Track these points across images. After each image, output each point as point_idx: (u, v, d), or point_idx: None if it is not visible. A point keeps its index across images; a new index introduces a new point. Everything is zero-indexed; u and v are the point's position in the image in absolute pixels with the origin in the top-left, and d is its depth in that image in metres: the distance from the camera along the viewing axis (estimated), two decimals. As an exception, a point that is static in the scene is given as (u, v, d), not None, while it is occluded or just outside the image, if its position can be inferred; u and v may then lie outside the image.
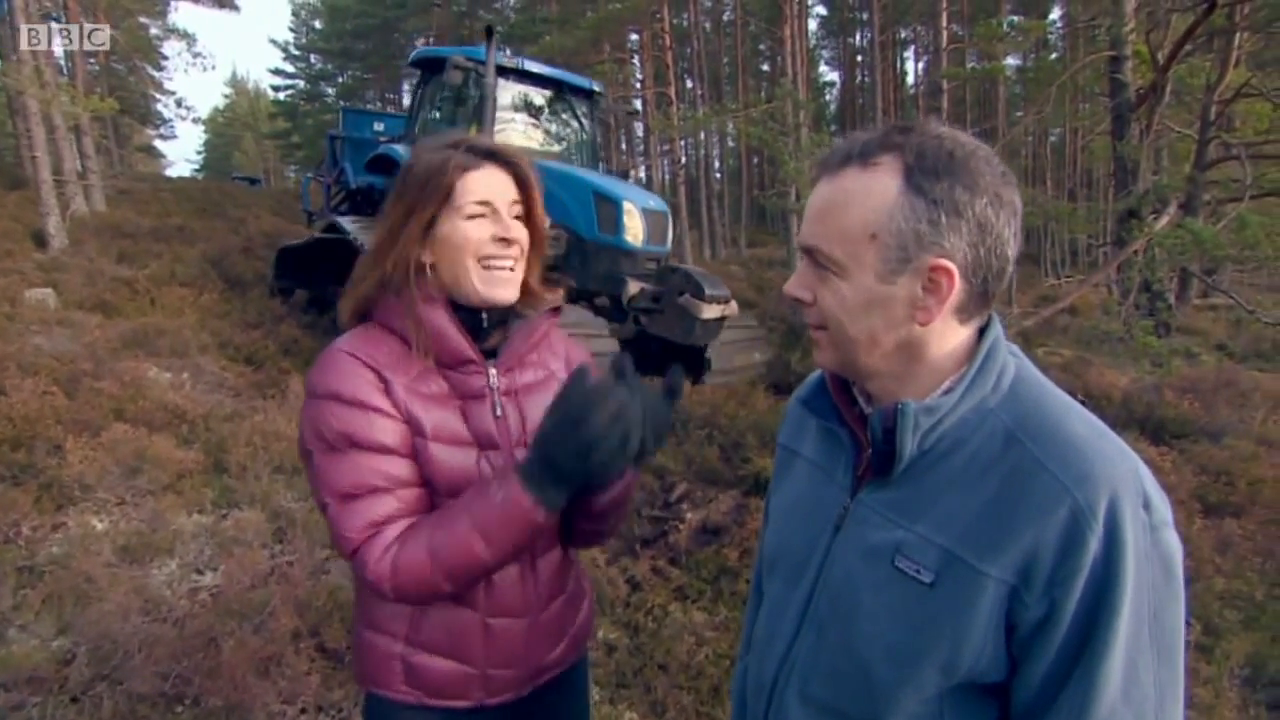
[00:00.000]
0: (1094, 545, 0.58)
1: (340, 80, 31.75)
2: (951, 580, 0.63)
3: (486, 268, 0.94)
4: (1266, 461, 4.11)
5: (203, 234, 10.53)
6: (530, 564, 1.00)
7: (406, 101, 34.71)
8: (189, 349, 5.75)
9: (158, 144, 30.65)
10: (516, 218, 0.96)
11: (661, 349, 5.20)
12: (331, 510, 0.88)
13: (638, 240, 5.26)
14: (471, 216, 0.93)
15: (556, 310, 1.06)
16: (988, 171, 0.65)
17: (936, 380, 0.69)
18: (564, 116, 6.60)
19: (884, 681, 0.67)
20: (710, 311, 4.92)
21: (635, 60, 21.21)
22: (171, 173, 34.39)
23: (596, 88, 6.75)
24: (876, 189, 0.65)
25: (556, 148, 6.42)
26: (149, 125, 25.39)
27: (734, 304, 5.29)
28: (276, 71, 33.17)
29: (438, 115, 6.45)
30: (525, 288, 1.00)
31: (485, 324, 0.98)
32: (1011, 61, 19.47)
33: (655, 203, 5.69)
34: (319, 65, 32.52)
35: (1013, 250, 0.67)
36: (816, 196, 0.70)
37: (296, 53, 33.13)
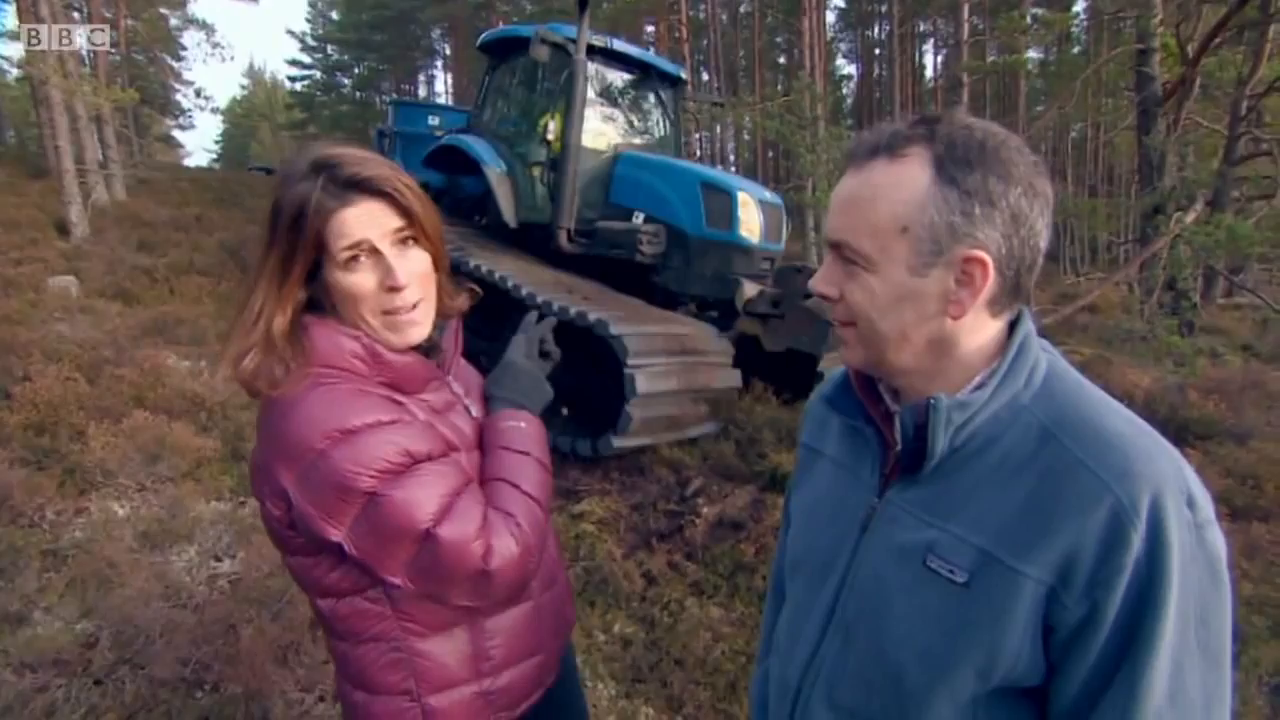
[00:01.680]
0: (1137, 544, 0.56)
1: (357, 71, 31.85)
2: (987, 580, 0.61)
3: (388, 317, 0.84)
4: (1295, 465, 4.02)
5: (220, 223, 10.64)
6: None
7: (423, 92, 34.65)
8: (207, 337, 5.81)
9: (176, 134, 30.93)
10: (404, 242, 0.84)
11: (770, 358, 4.51)
12: (441, 532, 0.78)
13: (754, 236, 4.54)
14: (348, 263, 0.81)
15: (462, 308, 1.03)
16: (1020, 161, 0.63)
17: (967, 376, 0.67)
18: (646, 105, 5.81)
19: (916, 686, 0.65)
20: None
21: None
22: (190, 163, 34.81)
23: (683, 75, 6.01)
24: (907, 181, 0.63)
25: (638, 140, 5.61)
26: (168, 115, 25.67)
27: None
28: (293, 62, 33.36)
29: (509, 104, 5.81)
30: (439, 306, 0.93)
31: (432, 342, 0.94)
32: (1033, 55, 19.14)
33: (770, 195, 4.99)
34: (335, 56, 32.64)
35: (1044, 242, 0.66)
36: (843, 190, 0.68)
37: (313, 44, 33.28)
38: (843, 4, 26.67)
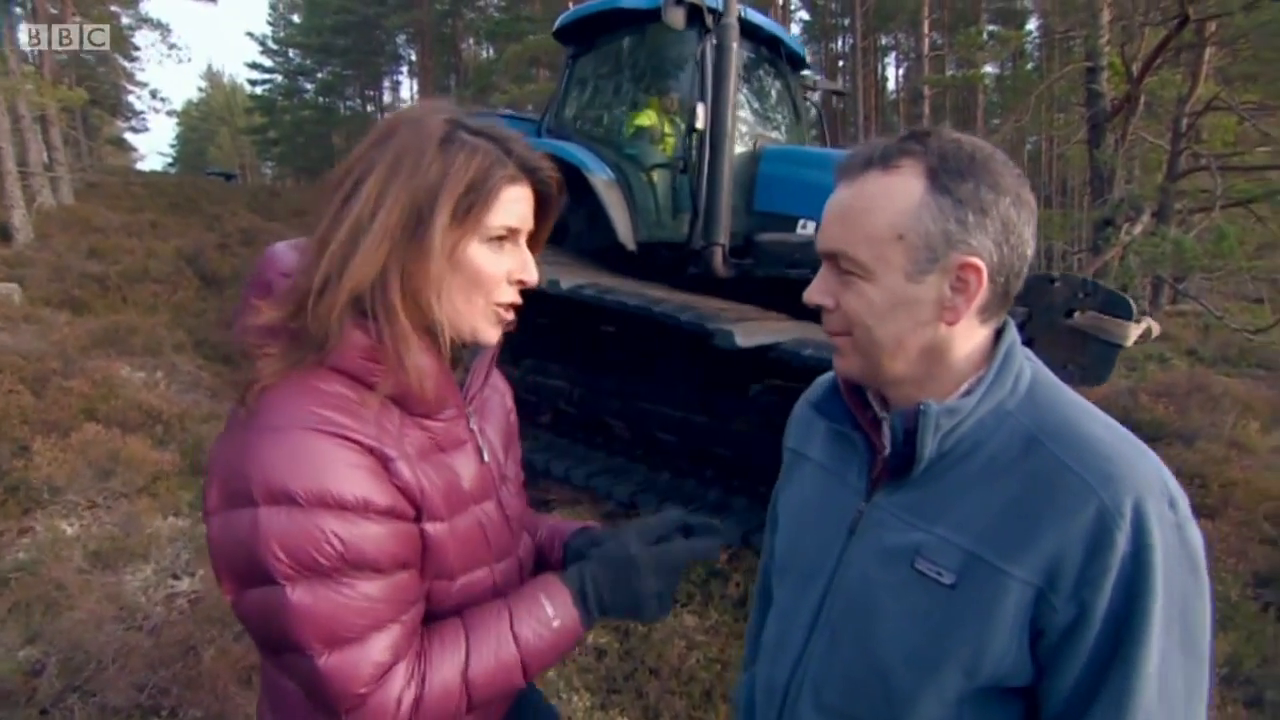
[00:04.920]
0: (1122, 544, 0.58)
1: (320, 76, 31.27)
2: (973, 581, 0.63)
3: (496, 307, 0.76)
4: (1238, 464, 4.22)
5: (177, 230, 10.31)
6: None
7: (388, 99, 33.99)
8: (163, 348, 5.62)
9: (129, 137, 29.89)
10: (525, 241, 0.79)
11: None
12: (321, 661, 0.64)
13: None
14: (496, 241, 0.74)
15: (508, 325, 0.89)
16: (1007, 173, 0.65)
17: (956, 383, 0.69)
18: (773, 91, 4.71)
19: (904, 686, 0.66)
20: (1135, 334, 3.11)
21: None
22: (143, 166, 33.67)
23: (808, 57, 5.10)
24: (901, 190, 0.65)
25: (772, 133, 4.48)
26: (120, 117, 24.79)
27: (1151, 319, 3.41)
28: (254, 66, 32.61)
29: (603, 97, 4.58)
30: None
31: (453, 359, 0.81)
32: (990, 70, 19.83)
33: None
34: (298, 60, 32.00)
35: (1030, 251, 0.68)
36: (837, 201, 0.70)
37: (274, 47, 32.59)
38: (807, 17, 27.26)
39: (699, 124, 3.58)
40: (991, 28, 18.37)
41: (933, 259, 0.64)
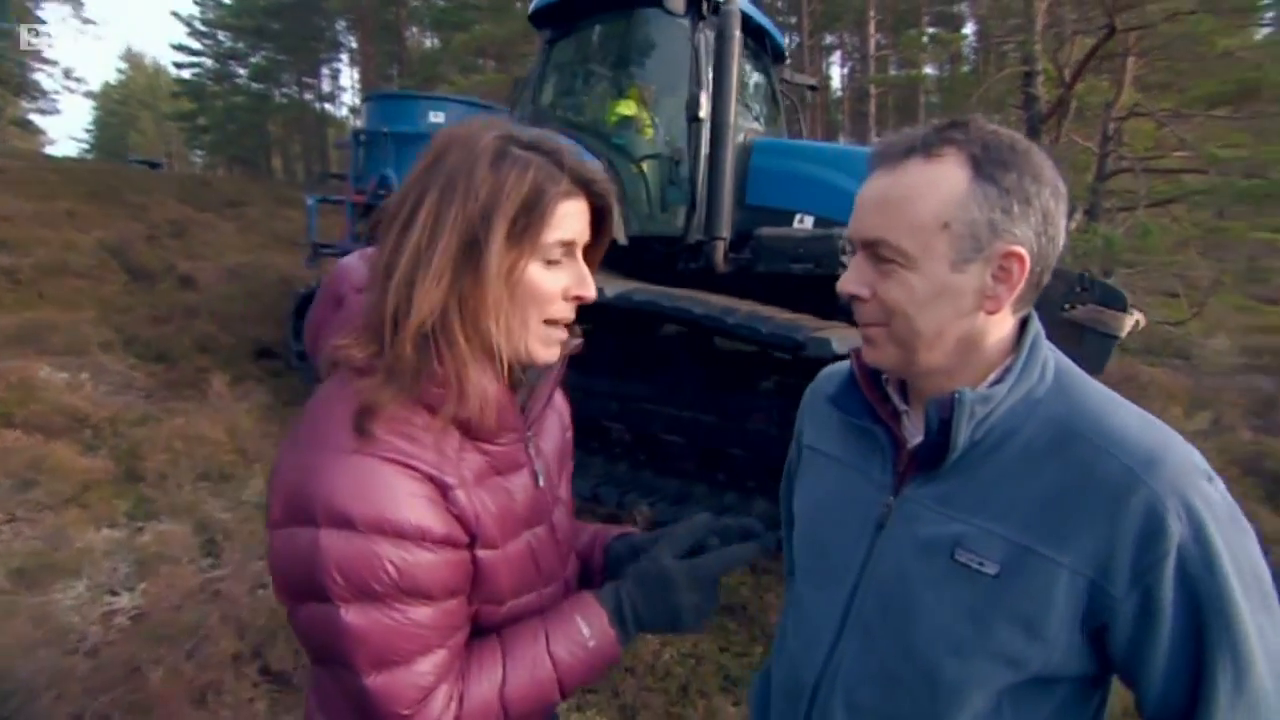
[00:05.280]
0: (1177, 529, 0.58)
1: (253, 61, 29.68)
2: (1019, 570, 0.63)
3: (550, 327, 0.75)
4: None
5: (98, 220, 9.61)
6: None
7: (326, 87, 32.59)
8: (89, 346, 5.23)
9: (36, 119, 27.72)
10: (580, 254, 0.77)
11: None
12: (368, 681, 0.66)
13: None
14: (551, 261, 0.72)
15: (575, 346, 0.87)
16: (1046, 164, 0.66)
17: (985, 371, 0.69)
18: (755, 82, 4.55)
19: (950, 680, 0.66)
20: (1129, 325, 3.24)
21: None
22: (54, 151, 31.26)
23: (786, 49, 4.96)
24: (946, 179, 0.64)
25: (757, 125, 4.37)
26: (24, 96, 22.95)
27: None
28: (179, 48, 30.65)
29: (584, 84, 4.38)
30: None
31: (520, 381, 0.79)
32: (929, 71, 20.54)
33: None
34: (228, 43, 30.28)
35: (1062, 241, 0.68)
36: (875, 189, 0.68)
37: (203, 29, 30.73)
38: (755, 16, 27.58)
39: (702, 113, 3.46)
40: (931, 30, 19.03)
41: (977, 248, 0.64)
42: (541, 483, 0.82)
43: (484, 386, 0.70)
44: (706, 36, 3.64)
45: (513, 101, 4.67)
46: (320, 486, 0.65)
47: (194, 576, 2.61)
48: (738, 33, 3.35)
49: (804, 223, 3.65)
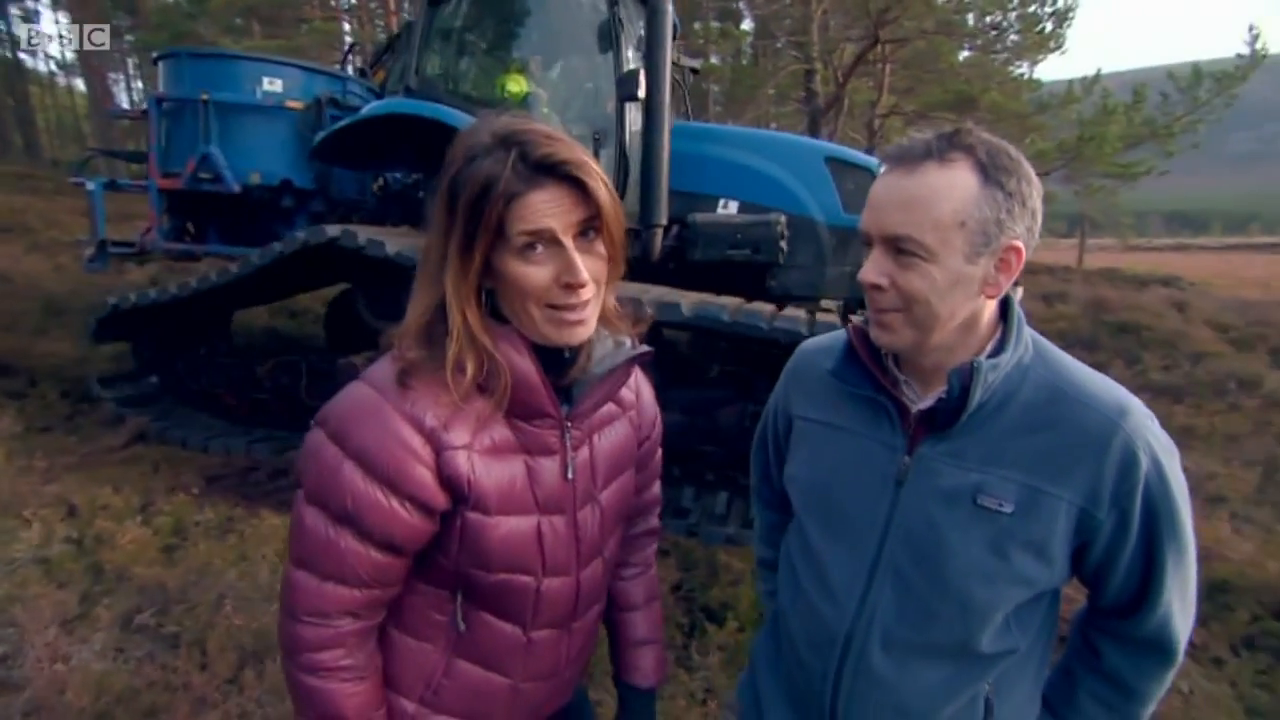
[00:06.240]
0: (1144, 462, 0.75)
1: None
2: (1031, 506, 0.77)
3: (553, 311, 0.76)
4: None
5: None
6: (568, 629, 0.93)
7: (19, 31, 25.24)
8: None
9: None
10: (587, 234, 0.75)
11: None
12: (292, 571, 0.79)
13: None
14: (523, 250, 0.73)
15: (642, 354, 0.88)
16: (1031, 171, 0.80)
17: (979, 346, 0.82)
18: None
19: (981, 604, 0.79)
20: None
21: (345, 23, 18.26)
22: None
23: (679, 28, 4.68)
24: (960, 183, 0.74)
25: None
26: None
27: None
28: None
29: (478, 55, 3.92)
30: (603, 312, 0.83)
31: (566, 359, 0.82)
32: (714, 61, 22.03)
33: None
34: None
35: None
36: (895, 189, 0.77)
37: None
38: None
39: (640, 93, 3.24)
40: (715, 24, 20.38)
41: (986, 243, 0.76)
42: (571, 475, 0.84)
43: (514, 362, 0.77)
44: (623, 11, 3.54)
45: (368, 68, 4.21)
46: (343, 404, 0.77)
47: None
48: (669, 8, 3.23)
49: (728, 208, 3.65)
